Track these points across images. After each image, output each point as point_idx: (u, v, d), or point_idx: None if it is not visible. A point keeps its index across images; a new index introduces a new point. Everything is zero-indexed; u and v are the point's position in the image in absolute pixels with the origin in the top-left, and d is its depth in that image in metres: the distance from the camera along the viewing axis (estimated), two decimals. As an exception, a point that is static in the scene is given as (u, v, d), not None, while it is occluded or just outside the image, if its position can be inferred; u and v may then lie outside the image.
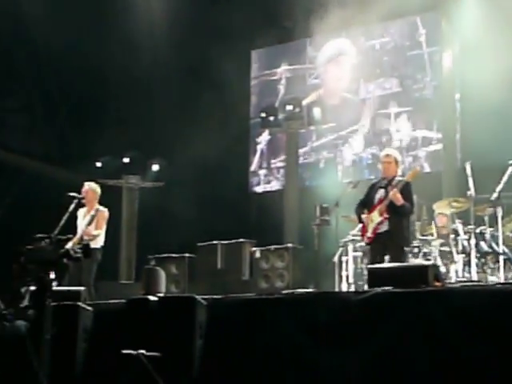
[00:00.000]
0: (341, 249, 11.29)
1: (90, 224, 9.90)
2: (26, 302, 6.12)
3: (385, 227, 8.80)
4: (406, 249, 9.13)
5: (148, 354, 6.48)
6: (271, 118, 15.50)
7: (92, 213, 9.97)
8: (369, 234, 8.93)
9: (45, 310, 6.04)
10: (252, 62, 17.32)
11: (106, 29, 16.32)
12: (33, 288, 6.12)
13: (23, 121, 16.77)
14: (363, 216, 9.02)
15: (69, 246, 6.46)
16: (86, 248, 6.53)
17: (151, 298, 7.33)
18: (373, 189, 9.12)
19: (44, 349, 5.98)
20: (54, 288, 6.29)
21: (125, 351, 6.50)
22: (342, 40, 15.99)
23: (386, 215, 8.76)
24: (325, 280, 11.11)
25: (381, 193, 8.97)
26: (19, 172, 15.79)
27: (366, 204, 9.09)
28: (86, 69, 16.41)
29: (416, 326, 5.91)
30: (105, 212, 10.22)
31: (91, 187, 10.31)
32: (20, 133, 16.65)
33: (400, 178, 8.99)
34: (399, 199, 8.72)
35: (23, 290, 6.12)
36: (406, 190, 8.87)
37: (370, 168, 15.41)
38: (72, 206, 8.37)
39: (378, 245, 8.87)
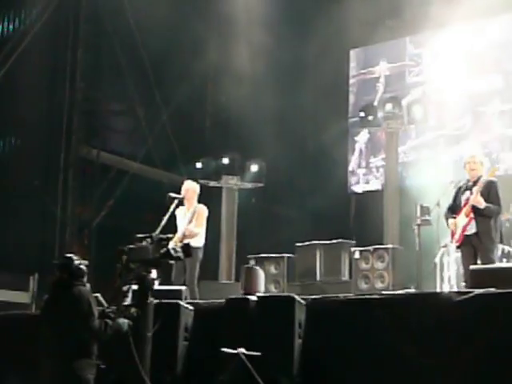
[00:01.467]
0: (442, 249, 11.07)
1: (191, 222, 9.96)
2: (128, 301, 6.24)
3: (473, 229, 8.64)
4: (497, 250, 8.91)
5: (248, 352, 6.53)
6: (370, 117, 15.31)
7: (191, 209, 10.06)
8: (457, 237, 8.79)
9: (146, 308, 6.16)
10: (350, 61, 17.19)
11: (206, 30, 16.53)
12: (135, 287, 6.25)
13: (125, 123, 17.12)
14: (450, 220, 8.90)
15: (170, 245, 6.57)
16: (186, 247, 6.60)
17: (251, 297, 7.37)
18: (459, 192, 8.98)
19: (145, 346, 6.10)
20: (156, 287, 6.42)
21: (225, 350, 6.57)
22: (447, 35, 15.63)
23: (471, 216, 8.61)
24: (426, 281, 10.93)
25: (466, 194, 8.81)
26: (122, 174, 16.14)
27: (454, 208, 8.95)
28: (185, 71, 16.65)
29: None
30: (204, 209, 10.20)
31: (191, 185, 10.35)
32: (122, 135, 17.00)
33: (485, 178, 8.81)
34: (480, 202, 8.55)
35: (125, 288, 6.24)
36: (488, 190, 8.67)
37: (472, 167, 15.04)
38: (173, 207, 8.45)
39: (468, 247, 8.71)
